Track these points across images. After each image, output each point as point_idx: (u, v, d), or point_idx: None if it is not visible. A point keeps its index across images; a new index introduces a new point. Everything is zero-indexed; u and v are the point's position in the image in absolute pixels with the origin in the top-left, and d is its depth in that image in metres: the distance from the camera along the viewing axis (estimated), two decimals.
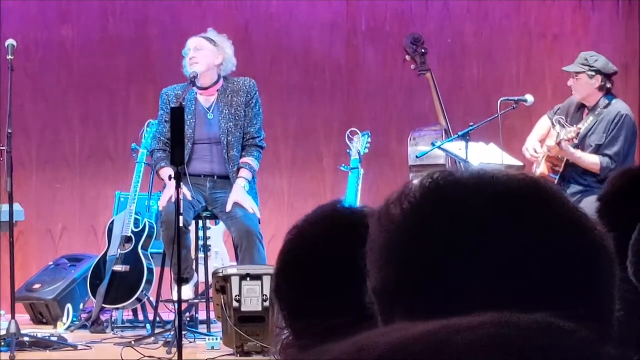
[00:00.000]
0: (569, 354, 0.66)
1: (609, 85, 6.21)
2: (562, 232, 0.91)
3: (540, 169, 6.27)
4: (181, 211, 5.06)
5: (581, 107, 6.31)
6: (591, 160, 6.14)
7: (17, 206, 5.88)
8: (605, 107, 6.20)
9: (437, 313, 0.86)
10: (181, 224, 5.13)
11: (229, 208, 5.91)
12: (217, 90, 6.11)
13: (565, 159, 6.20)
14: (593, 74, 6.18)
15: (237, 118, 6.06)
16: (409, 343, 0.65)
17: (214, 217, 6.19)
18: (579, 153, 6.14)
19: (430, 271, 0.91)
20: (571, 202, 0.95)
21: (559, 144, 6.08)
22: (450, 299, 0.88)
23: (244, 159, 6.03)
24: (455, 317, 0.69)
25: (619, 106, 6.23)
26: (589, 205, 5.57)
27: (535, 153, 6.29)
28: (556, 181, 6.18)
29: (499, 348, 0.65)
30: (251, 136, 6.06)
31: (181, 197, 5.05)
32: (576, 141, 6.12)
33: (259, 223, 6.04)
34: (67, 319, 6.51)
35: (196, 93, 6.12)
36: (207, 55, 6.06)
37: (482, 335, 0.65)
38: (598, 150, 6.15)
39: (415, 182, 0.97)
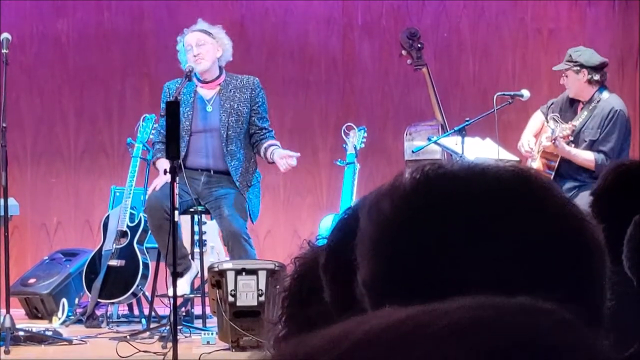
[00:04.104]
0: (546, 333, 0.65)
1: (597, 77, 6.22)
2: (552, 223, 0.91)
3: (535, 165, 6.27)
4: (169, 203, 5.05)
5: (575, 101, 6.33)
6: (585, 156, 6.14)
7: (11, 200, 5.87)
8: (599, 101, 6.21)
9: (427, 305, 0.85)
10: (166, 213, 5.13)
11: (283, 166, 5.98)
12: (219, 84, 6.11)
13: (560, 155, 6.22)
14: (578, 68, 6.21)
15: (238, 113, 6.06)
16: (387, 329, 0.65)
17: (209, 212, 6.18)
18: (573, 150, 6.15)
19: (420, 263, 0.91)
20: (562, 193, 0.94)
21: (554, 141, 6.09)
22: (440, 290, 0.88)
23: (270, 142, 6.07)
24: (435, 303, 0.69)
25: (613, 101, 6.24)
26: (584, 199, 5.59)
27: (529, 148, 6.30)
28: (552, 177, 6.19)
29: (475, 330, 0.65)
30: (267, 130, 6.14)
31: (175, 190, 5.03)
32: (571, 138, 6.13)
33: (253, 222, 6.04)
34: (62, 313, 6.50)
35: (196, 86, 6.12)
36: (209, 50, 6.06)
37: (459, 319, 0.65)
38: (592, 146, 6.16)
39: (406, 174, 0.97)
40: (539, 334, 0.65)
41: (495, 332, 0.65)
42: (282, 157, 5.98)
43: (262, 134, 6.10)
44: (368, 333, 0.65)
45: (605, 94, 6.25)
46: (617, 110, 6.18)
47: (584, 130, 6.20)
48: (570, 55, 6.30)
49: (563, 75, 6.29)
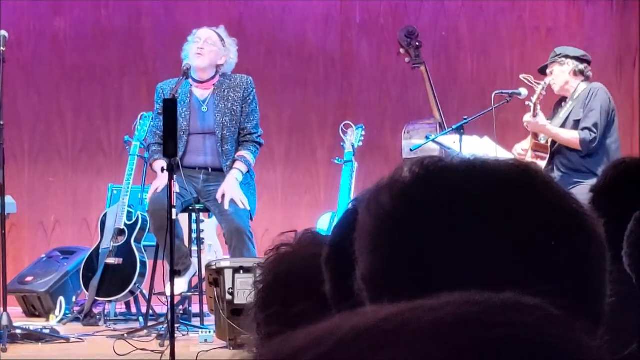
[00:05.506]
0: (531, 329, 0.65)
1: (582, 68, 6.26)
2: (552, 216, 0.91)
3: (527, 159, 6.29)
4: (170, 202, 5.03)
5: (562, 101, 6.37)
6: (570, 135, 6.16)
7: (9, 198, 5.86)
8: (582, 90, 6.25)
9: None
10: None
11: (218, 196, 5.90)
12: (213, 85, 6.10)
13: (549, 145, 6.23)
14: (562, 59, 6.27)
15: (232, 113, 6.05)
16: (372, 326, 0.64)
17: (207, 210, 6.18)
18: (555, 129, 6.18)
19: (420, 257, 0.90)
20: (561, 187, 0.94)
21: (534, 114, 6.12)
22: (440, 284, 0.87)
23: (240, 152, 6.03)
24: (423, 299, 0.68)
25: (593, 84, 6.31)
26: (580, 195, 5.59)
27: (522, 152, 6.33)
28: (543, 168, 6.21)
29: (459, 326, 0.64)
30: (248, 132, 6.06)
31: (174, 189, 5.02)
32: (544, 92, 6.17)
33: (252, 220, 6.03)
34: (60, 311, 6.49)
35: (191, 85, 6.11)
36: (213, 51, 6.04)
37: (444, 315, 0.65)
38: (577, 126, 6.19)
39: (405, 168, 0.96)
40: (524, 329, 0.65)
41: (479, 328, 0.64)
42: (221, 190, 5.91)
43: (243, 134, 6.07)
44: (352, 331, 0.64)
45: (587, 83, 6.29)
46: (597, 88, 6.24)
47: (570, 117, 6.23)
48: (555, 51, 6.40)
49: (548, 72, 6.33)
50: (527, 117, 6.21)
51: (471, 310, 0.65)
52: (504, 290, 0.81)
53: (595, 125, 6.13)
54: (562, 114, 6.28)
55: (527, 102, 6.23)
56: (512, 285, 0.85)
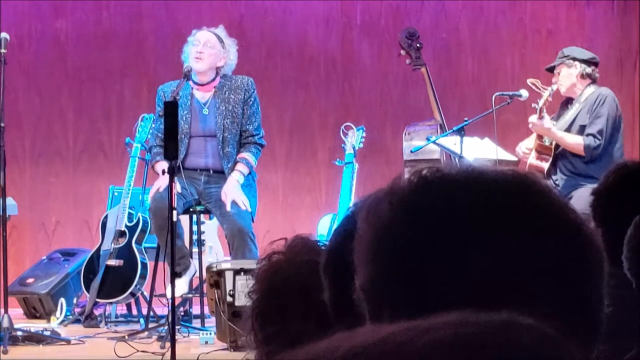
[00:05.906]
0: (527, 350, 0.65)
1: (589, 71, 6.25)
2: (550, 228, 0.91)
3: (530, 160, 6.30)
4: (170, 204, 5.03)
5: (568, 102, 6.36)
6: (574, 140, 6.16)
7: (10, 200, 5.86)
8: (590, 93, 6.24)
9: (426, 309, 0.85)
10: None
11: (223, 198, 5.91)
12: (214, 87, 6.10)
13: (553, 147, 6.23)
14: (570, 62, 6.26)
15: (234, 115, 6.05)
16: (371, 346, 0.65)
17: (208, 212, 6.18)
18: (560, 133, 6.17)
19: (418, 267, 0.90)
20: (560, 197, 0.94)
21: (540, 116, 6.12)
22: (439, 294, 0.87)
23: (241, 154, 6.03)
24: (425, 317, 0.69)
25: (601, 90, 6.29)
26: (581, 200, 5.59)
27: (526, 150, 6.33)
28: (546, 169, 6.21)
29: (456, 348, 0.64)
30: (250, 134, 6.06)
31: (175, 190, 5.02)
32: (550, 99, 6.17)
33: (253, 221, 6.03)
34: (61, 313, 6.49)
35: (192, 88, 6.11)
36: (213, 54, 6.03)
37: (441, 336, 0.65)
38: (583, 131, 6.18)
39: (404, 178, 0.96)
40: (519, 351, 0.65)
41: (476, 349, 0.64)
42: (224, 192, 5.92)
43: (245, 136, 6.07)
44: (351, 351, 0.64)
45: (594, 87, 6.29)
46: (605, 94, 6.23)
47: (576, 121, 6.23)
48: (563, 52, 6.38)
49: (555, 73, 6.33)
50: (533, 119, 6.21)
51: (468, 331, 0.65)
52: (502, 299, 0.81)
53: (600, 132, 6.12)
54: (568, 116, 6.27)
55: (533, 104, 6.23)
56: (510, 295, 0.85)
